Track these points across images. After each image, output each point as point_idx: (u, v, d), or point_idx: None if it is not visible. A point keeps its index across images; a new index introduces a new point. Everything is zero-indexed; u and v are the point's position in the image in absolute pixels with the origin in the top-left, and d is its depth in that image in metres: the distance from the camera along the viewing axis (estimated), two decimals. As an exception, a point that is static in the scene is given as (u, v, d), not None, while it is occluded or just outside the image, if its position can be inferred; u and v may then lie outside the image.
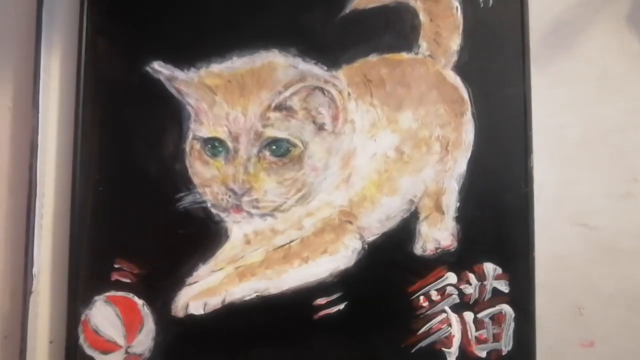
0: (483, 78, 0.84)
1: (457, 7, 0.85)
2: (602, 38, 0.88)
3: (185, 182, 0.82)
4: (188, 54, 0.83)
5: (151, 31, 0.85)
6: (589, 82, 0.88)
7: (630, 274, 0.86)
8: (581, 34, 0.88)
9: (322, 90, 0.81)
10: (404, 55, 0.84)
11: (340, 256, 0.82)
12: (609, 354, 0.86)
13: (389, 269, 0.83)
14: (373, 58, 0.84)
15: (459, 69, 0.84)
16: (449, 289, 0.83)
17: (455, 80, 0.84)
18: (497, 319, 0.83)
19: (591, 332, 0.86)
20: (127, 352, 0.82)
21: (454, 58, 0.84)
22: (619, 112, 0.87)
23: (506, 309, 0.83)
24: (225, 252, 0.83)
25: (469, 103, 0.84)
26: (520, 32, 0.85)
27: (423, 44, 0.84)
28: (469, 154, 0.84)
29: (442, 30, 0.84)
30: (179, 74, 0.82)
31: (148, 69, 0.83)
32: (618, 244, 0.86)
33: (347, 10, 0.84)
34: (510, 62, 0.85)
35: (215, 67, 0.82)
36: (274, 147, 0.80)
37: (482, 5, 0.85)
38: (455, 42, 0.84)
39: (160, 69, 0.82)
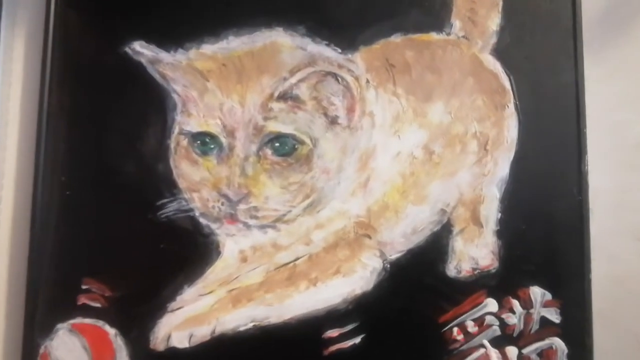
0: (528, 64, 0.72)
1: (495, -20, 0.73)
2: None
3: (169, 186, 0.70)
4: (175, 33, 0.71)
5: (132, 5, 0.72)
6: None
7: None
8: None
9: (335, 76, 0.69)
10: (434, 36, 0.72)
11: (356, 278, 0.70)
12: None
13: (416, 293, 0.70)
14: (396, 39, 0.72)
15: (499, 53, 0.72)
16: (489, 319, 0.70)
17: (495, 66, 0.72)
18: (546, 355, 0.70)
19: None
20: (95, 393, 0.68)
21: (493, 40, 0.73)
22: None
23: (557, 343, 0.70)
24: (216, 271, 0.70)
25: (511, 93, 0.72)
26: (570, 11, 0.73)
27: (456, 22, 0.72)
28: (511, 155, 0.72)
29: (479, 7, 0.72)
30: (164, 55, 0.70)
31: (127, 49, 0.70)
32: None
33: None
34: (559, 45, 0.73)
35: (208, 48, 0.70)
36: (277, 144, 0.68)
37: (525, -21, 0.73)
38: (494, 22, 0.72)
39: (141, 50, 0.70)
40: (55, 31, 0.72)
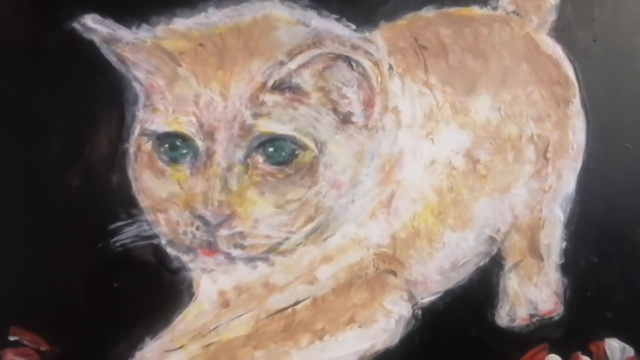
0: (597, 48, 0.60)
1: (553, -60, 0.61)
2: None
3: (125, 205, 0.56)
4: (138, 3, 0.58)
5: None
6: None
7: None
8: None
9: (348, 60, 0.55)
10: (476, 11, 0.60)
11: (377, 329, 0.57)
12: None
13: (457, 349, 0.58)
14: (428, 13, 0.60)
15: (560, 33, 0.60)
16: None
17: (555, 50, 0.60)
18: None
19: None
20: None
21: (552, 17, 0.61)
22: None
23: None
24: (188, 319, 0.57)
25: (576, 85, 0.60)
26: None
27: None
28: (579, 165, 0.59)
29: None
30: (124, 33, 0.56)
31: (76, 25, 0.56)
32: None
33: None
34: (636, 24, 0.60)
35: (181, 23, 0.57)
36: (270, 149, 0.53)
37: (592, -61, 0.61)
38: None
39: (94, 25, 0.55)
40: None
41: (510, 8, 0.60)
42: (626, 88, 0.59)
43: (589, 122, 0.59)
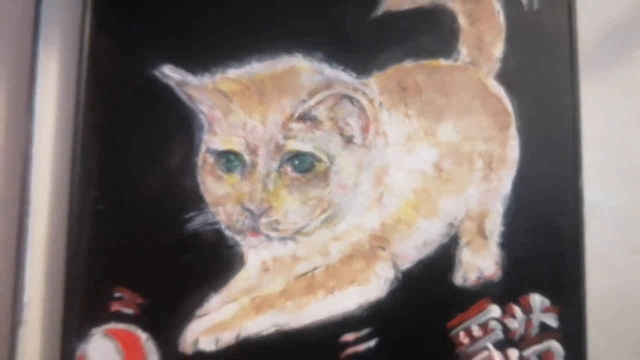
0: (528, 88, 0.70)
1: (499, 11, 0.71)
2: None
3: (195, 201, 0.68)
4: (202, 58, 0.69)
5: (161, 30, 0.70)
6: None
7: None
8: (636, 40, 0.73)
9: (350, 99, 0.67)
10: (442, 62, 0.70)
11: (371, 287, 0.68)
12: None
13: (426, 301, 0.68)
14: (408, 64, 0.70)
15: (503, 77, 0.70)
16: (492, 324, 0.69)
17: (499, 90, 0.70)
18: (545, 357, 0.68)
19: (648, 373, 0.70)
20: (127, 394, 0.66)
21: (497, 66, 0.70)
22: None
23: (555, 346, 0.68)
24: (240, 281, 0.68)
25: (513, 116, 0.70)
26: (568, 39, 0.71)
27: (463, 49, 0.70)
28: (514, 172, 0.70)
29: (484, 35, 0.70)
30: (192, 79, 0.68)
31: (157, 73, 0.69)
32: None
33: (379, 12, 0.70)
34: (558, 71, 0.71)
35: (232, 72, 0.69)
36: (296, 161, 0.66)
37: (526, 9, 0.71)
38: (498, 49, 0.70)
39: (170, 73, 0.68)
40: (88, 53, 0.70)
41: (467, 60, 0.70)
42: (548, 117, 0.70)
43: (521, 142, 0.69)
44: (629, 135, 0.72)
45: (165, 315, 0.68)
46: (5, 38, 0.73)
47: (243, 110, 0.67)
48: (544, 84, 0.71)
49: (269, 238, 0.67)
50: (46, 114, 0.72)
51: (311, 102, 0.67)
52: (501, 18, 0.71)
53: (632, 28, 0.73)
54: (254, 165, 0.66)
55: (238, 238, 0.68)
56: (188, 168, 0.68)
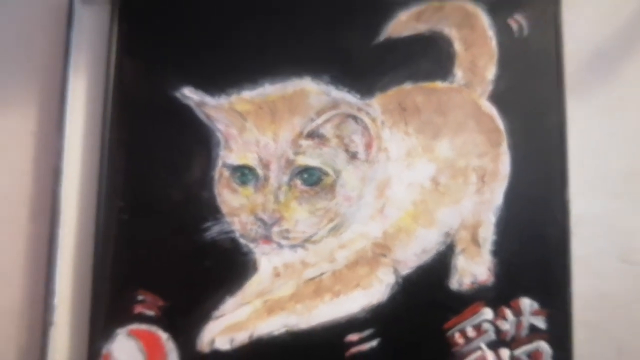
0: (519, 108, 0.75)
1: (491, 37, 0.76)
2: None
3: (212, 211, 0.73)
4: (219, 80, 0.74)
5: (181, 55, 0.76)
6: (630, 112, 0.77)
7: (674, 313, 0.75)
8: (620, 63, 0.77)
9: (355, 118, 0.72)
10: (439, 84, 0.75)
11: (373, 291, 0.72)
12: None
13: (424, 304, 0.72)
14: (407, 86, 0.74)
15: (495, 98, 0.75)
16: (485, 325, 0.72)
17: (491, 110, 0.74)
18: (534, 356, 0.72)
19: (631, 372, 0.74)
20: (148, 389, 0.71)
21: (490, 88, 0.75)
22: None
23: (543, 346, 0.72)
24: (253, 285, 0.72)
25: (504, 134, 0.74)
26: (555, 62, 0.75)
27: (458, 72, 0.75)
28: (505, 186, 0.74)
29: (478, 59, 0.75)
30: (209, 100, 0.73)
31: (177, 94, 0.74)
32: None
33: (381, 38, 0.75)
34: (546, 92, 0.75)
35: (247, 94, 0.74)
36: (305, 175, 0.71)
37: (516, 35, 0.76)
38: (490, 72, 0.75)
39: (190, 94, 0.73)
40: (115, 76, 0.75)
41: (462, 82, 0.74)
42: (537, 135, 0.73)
43: (512, 158, 0.73)
44: (611, 150, 0.77)
45: (184, 317, 0.72)
46: (38, 62, 0.78)
47: (257, 128, 0.72)
48: (533, 104, 0.75)
49: (280, 245, 0.72)
50: (75, 131, 0.77)
51: (319, 121, 0.71)
52: (493, 43, 0.75)
53: (614, 53, 0.78)
54: (266, 178, 0.71)
55: (252, 245, 0.72)
56: (206, 181, 0.73)
